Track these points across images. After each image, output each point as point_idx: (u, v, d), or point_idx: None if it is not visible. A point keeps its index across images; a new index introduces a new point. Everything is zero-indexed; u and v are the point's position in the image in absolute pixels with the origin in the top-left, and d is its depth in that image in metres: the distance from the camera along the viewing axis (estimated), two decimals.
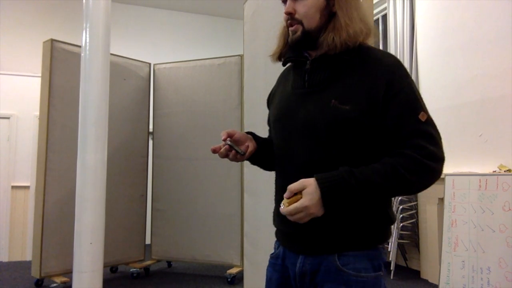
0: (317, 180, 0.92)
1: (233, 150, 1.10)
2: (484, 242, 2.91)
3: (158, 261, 4.46)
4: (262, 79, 2.43)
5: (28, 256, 4.95)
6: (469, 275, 2.98)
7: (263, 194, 2.38)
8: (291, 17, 1.06)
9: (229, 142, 1.09)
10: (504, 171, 3.13)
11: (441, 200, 3.51)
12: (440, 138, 0.98)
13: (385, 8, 4.93)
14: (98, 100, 2.66)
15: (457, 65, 3.82)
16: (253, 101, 2.62)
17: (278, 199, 1.12)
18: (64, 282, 3.54)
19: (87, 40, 2.67)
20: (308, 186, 0.92)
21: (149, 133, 4.54)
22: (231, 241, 4.06)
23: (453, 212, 3.20)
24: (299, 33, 1.05)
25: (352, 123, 0.98)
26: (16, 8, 5.51)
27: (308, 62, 1.08)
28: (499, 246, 2.79)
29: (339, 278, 0.98)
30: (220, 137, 1.11)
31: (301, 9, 1.04)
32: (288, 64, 1.19)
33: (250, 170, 2.59)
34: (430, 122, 0.98)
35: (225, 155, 1.12)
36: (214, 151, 1.12)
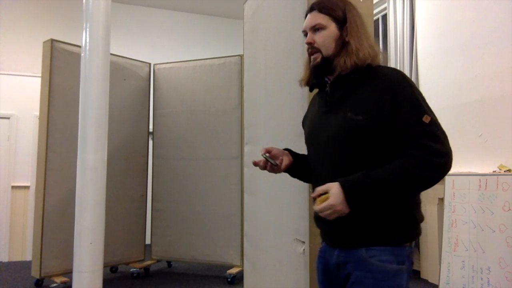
0: (340, 183, 1.12)
1: (269, 163, 1.32)
2: (484, 242, 2.91)
3: (158, 261, 4.46)
4: (262, 79, 2.43)
5: (28, 256, 4.95)
6: (469, 275, 2.98)
7: (263, 194, 2.38)
8: (311, 46, 1.28)
9: (265, 156, 1.31)
10: (504, 171, 3.13)
11: (441, 200, 3.51)
12: (444, 136, 1.13)
13: (385, 8, 4.93)
14: (98, 100, 2.65)
15: (457, 65, 3.82)
16: (253, 101, 2.62)
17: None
18: (64, 282, 3.54)
19: (87, 40, 2.67)
20: (332, 188, 1.12)
21: (149, 133, 4.54)
22: (231, 241, 4.06)
23: (453, 212, 3.20)
24: (318, 59, 1.27)
25: (365, 130, 1.16)
26: (16, 8, 5.51)
27: (327, 85, 1.29)
28: (499, 246, 2.79)
29: (366, 267, 1.16)
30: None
31: (319, 40, 1.27)
32: (316, 91, 1.41)
33: (250, 170, 2.59)
34: (434, 123, 1.14)
35: (264, 167, 1.34)
36: (255, 164, 1.35)
